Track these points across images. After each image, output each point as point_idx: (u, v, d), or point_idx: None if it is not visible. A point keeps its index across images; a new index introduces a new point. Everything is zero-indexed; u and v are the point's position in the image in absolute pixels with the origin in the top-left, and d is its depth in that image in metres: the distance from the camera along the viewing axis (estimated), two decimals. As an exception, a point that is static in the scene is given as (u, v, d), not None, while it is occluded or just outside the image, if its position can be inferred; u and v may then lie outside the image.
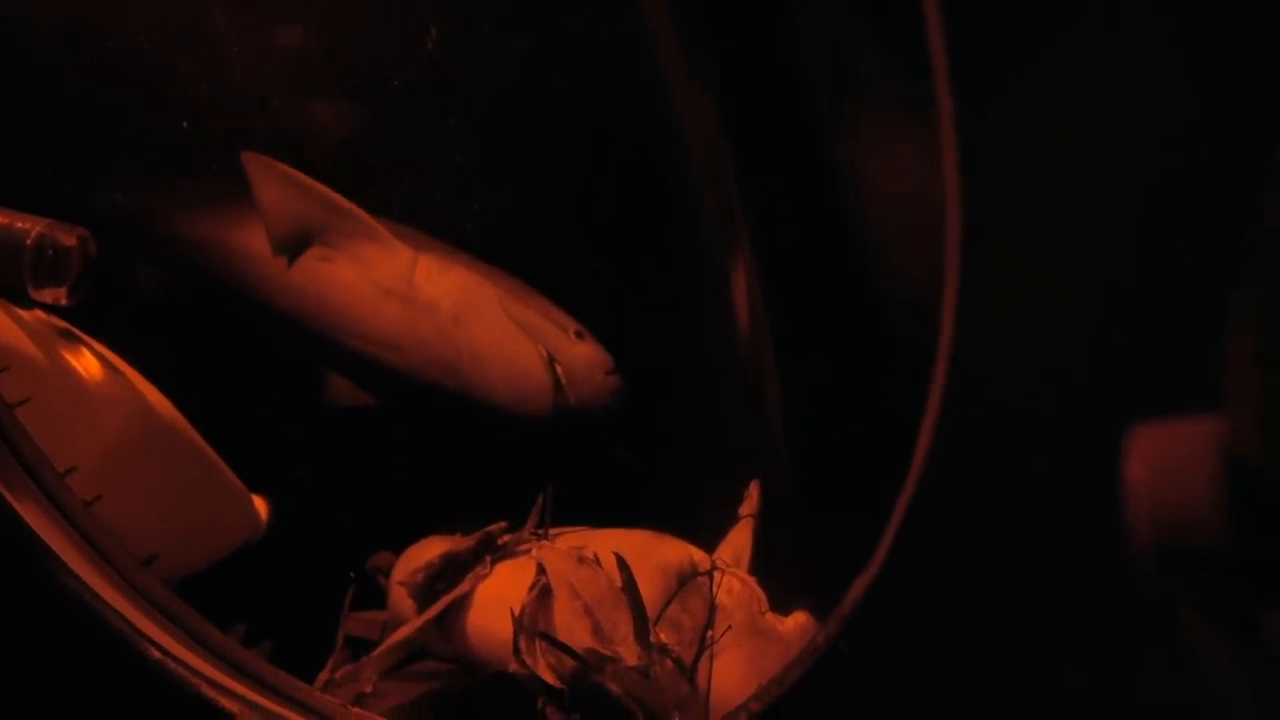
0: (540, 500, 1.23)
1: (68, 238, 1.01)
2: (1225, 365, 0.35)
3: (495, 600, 1.12)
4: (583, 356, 1.39)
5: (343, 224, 1.38)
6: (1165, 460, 0.36)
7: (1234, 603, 0.36)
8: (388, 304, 1.40)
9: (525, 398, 1.39)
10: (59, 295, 1.02)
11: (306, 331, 1.42)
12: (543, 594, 1.07)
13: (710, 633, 1.06)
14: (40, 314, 1.05)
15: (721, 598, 1.11)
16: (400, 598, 1.22)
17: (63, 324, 1.08)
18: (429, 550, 1.23)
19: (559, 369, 1.38)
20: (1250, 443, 0.35)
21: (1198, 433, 0.36)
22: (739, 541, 1.23)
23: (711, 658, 1.03)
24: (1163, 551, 0.36)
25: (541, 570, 1.09)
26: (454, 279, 1.40)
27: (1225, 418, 0.36)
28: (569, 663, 0.99)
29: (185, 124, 1.31)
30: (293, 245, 1.39)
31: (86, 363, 1.07)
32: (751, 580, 1.15)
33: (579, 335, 1.39)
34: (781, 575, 1.18)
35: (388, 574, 1.29)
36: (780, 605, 1.13)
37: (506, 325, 1.38)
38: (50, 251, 1.00)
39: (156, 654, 0.84)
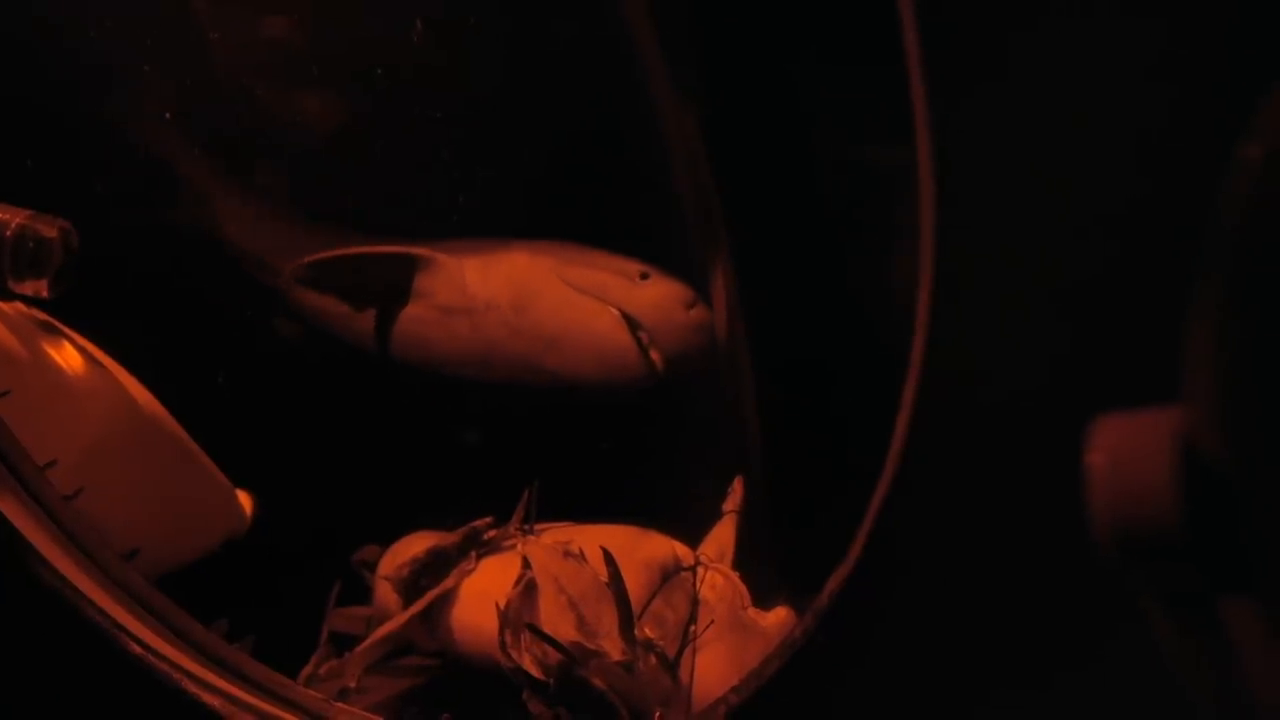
0: (526, 495, 1.23)
1: (49, 229, 1.00)
2: (1185, 356, 0.36)
3: (480, 595, 1.12)
4: (654, 299, 1.25)
5: (395, 268, 1.35)
6: (1125, 449, 0.37)
7: (1191, 591, 0.37)
8: (455, 323, 1.34)
9: (613, 366, 1.27)
10: (40, 288, 1.01)
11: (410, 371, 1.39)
12: (528, 588, 1.07)
13: (693, 628, 1.07)
14: (21, 306, 1.05)
15: (705, 593, 1.12)
16: (385, 593, 1.22)
17: (44, 316, 1.08)
18: (414, 545, 1.23)
19: (638, 325, 1.25)
20: (1207, 432, 0.36)
21: (1159, 422, 0.37)
22: (722, 537, 1.23)
23: (694, 652, 1.04)
24: (1121, 539, 0.37)
25: (526, 565, 1.09)
26: (503, 268, 1.31)
27: (1185, 407, 0.37)
28: (554, 657, 0.99)
29: (168, 115, 1.30)
30: (386, 316, 1.37)
31: (68, 356, 1.06)
32: (734, 575, 1.16)
33: (644, 277, 1.26)
34: (764, 570, 1.19)
35: (373, 569, 1.29)
36: (763, 600, 1.14)
37: (568, 295, 1.27)
38: (31, 243, 0.99)
39: (137, 649, 0.84)
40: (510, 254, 1.33)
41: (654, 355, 1.26)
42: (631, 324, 1.26)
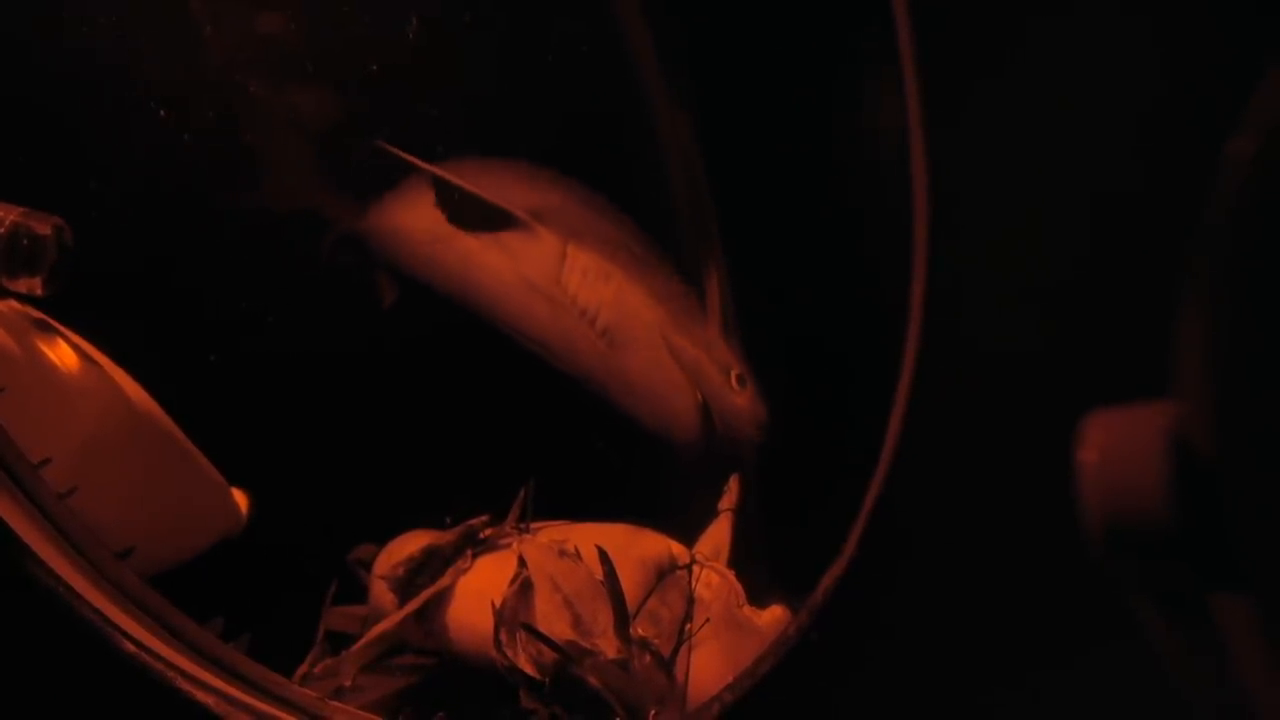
0: (522, 494, 1.23)
1: (42, 226, 1.00)
2: (1175, 351, 0.36)
3: (476, 594, 1.12)
4: (739, 410, 1.26)
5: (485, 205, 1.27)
6: (1116, 445, 0.37)
7: (1183, 588, 0.37)
8: (535, 302, 1.28)
9: (671, 436, 1.28)
10: (34, 285, 1.01)
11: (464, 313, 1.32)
12: (523, 587, 1.07)
13: (689, 626, 1.07)
14: (14, 304, 1.04)
15: (700, 591, 1.12)
16: (381, 592, 1.22)
17: (38, 314, 1.07)
18: (410, 544, 1.23)
19: (714, 418, 1.27)
20: (1198, 427, 0.36)
21: (1150, 418, 0.37)
22: (718, 536, 1.24)
23: (689, 651, 1.04)
24: (1112, 536, 0.37)
25: (522, 563, 1.09)
26: (612, 292, 1.27)
27: (1176, 403, 0.37)
28: (549, 655, 1.00)
29: (162, 112, 1.30)
30: (440, 229, 1.30)
31: (62, 354, 1.06)
32: (730, 574, 1.16)
33: (740, 382, 1.26)
34: (759, 569, 1.19)
35: (368, 567, 1.28)
36: (758, 599, 1.14)
37: (664, 361, 1.26)
38: (25, 240, 0.99)
39: (132, 648, 0.83)
40: (624, 275, 1.28)
41: (716, 442, 1.28)
42: (707, 416, 1.27)
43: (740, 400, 1.27)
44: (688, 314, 1.30)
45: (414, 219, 1.37)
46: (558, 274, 1.28)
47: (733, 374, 1.27)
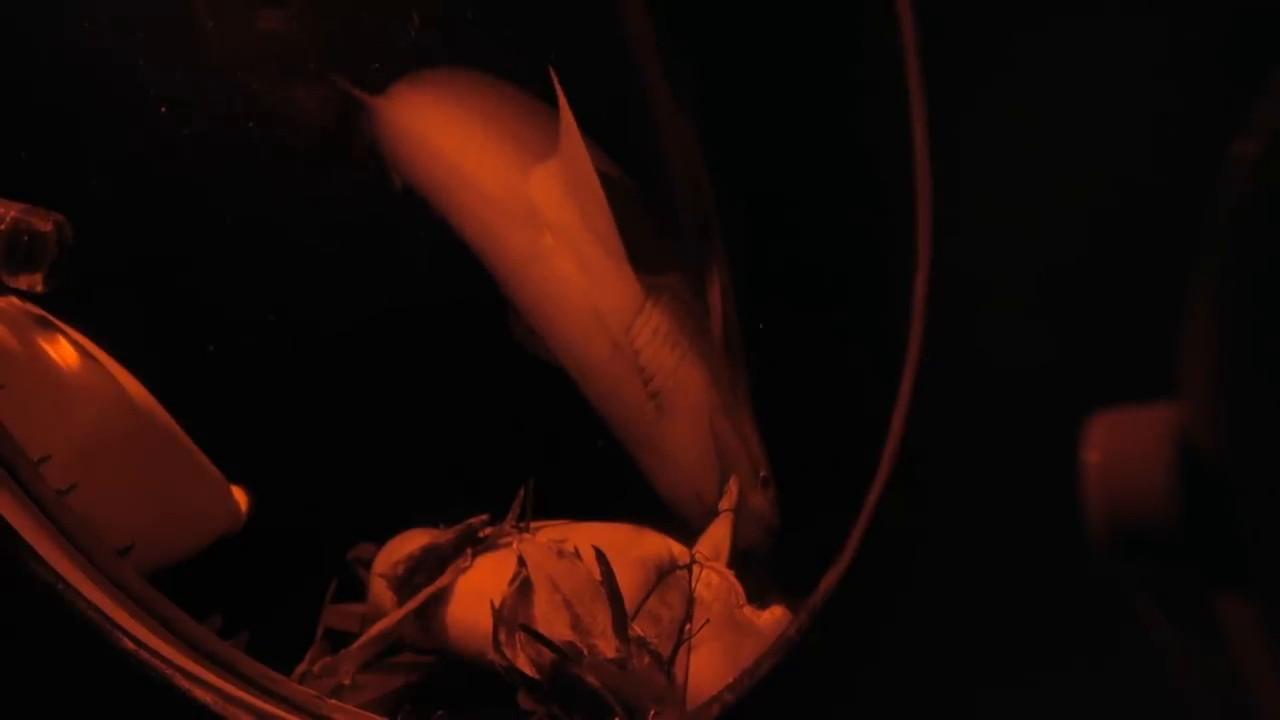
0: (522, 493, 1.23)
1: (43, 223, 1.00)
2: (1181, 352, 0.36)
3: (475, 593, 1.12)
4: (756, 509, 1.26)
5: (581, 207, 1.17)
6: (1120, 446, 0.37)
7: (1187, 590, 0.37)
8: (598, 338, 1.21)
9: (681, 512, 1.28)
10: (34, 282, 1.01)
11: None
12: (523, 587, 1.07)
13: (688, 626, 1.07)
14: (15, 300, 1.04)
15: (700, 591, 1.12)
16: (380, 590, 1.22)
17: (38, 311, 1.07)
18: (410, 542, 1.22)
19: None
20: (1203, 429, 0.35)
21: (1155, 419, 0.37)
22: (718, 536, 1.23)
23: (689, 651, 1.04)
24: (1116, 538, 0.36)
25: (522, 563, 1.09)
26: (674, 361, 1.23)
27: (1181, 404, 0.37)
28: (548, 655, 0.99)
29: (164, 108, 1.29)
30: (507, 198, 1.18)
31: (63, 350, 1.06)
32: (730, 574, 1.16)
33: (764, 484, 1.26)
34: (759, 568, 1.19)
35: (368, 566, 1.28)
36: (758, 599, 1.14)
37: (701, 444, 1.24)
38: (25, 237, 0.99)
39: (130, 645, 0.83)
40: (689, 352, 1.24)
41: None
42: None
43: (759, 501, 1.26)
44: (735, 402, 1.27)
45: (468, 159, 1.22)
46: (629, 322, 1.20)
47: (760, 474, 1.26)
